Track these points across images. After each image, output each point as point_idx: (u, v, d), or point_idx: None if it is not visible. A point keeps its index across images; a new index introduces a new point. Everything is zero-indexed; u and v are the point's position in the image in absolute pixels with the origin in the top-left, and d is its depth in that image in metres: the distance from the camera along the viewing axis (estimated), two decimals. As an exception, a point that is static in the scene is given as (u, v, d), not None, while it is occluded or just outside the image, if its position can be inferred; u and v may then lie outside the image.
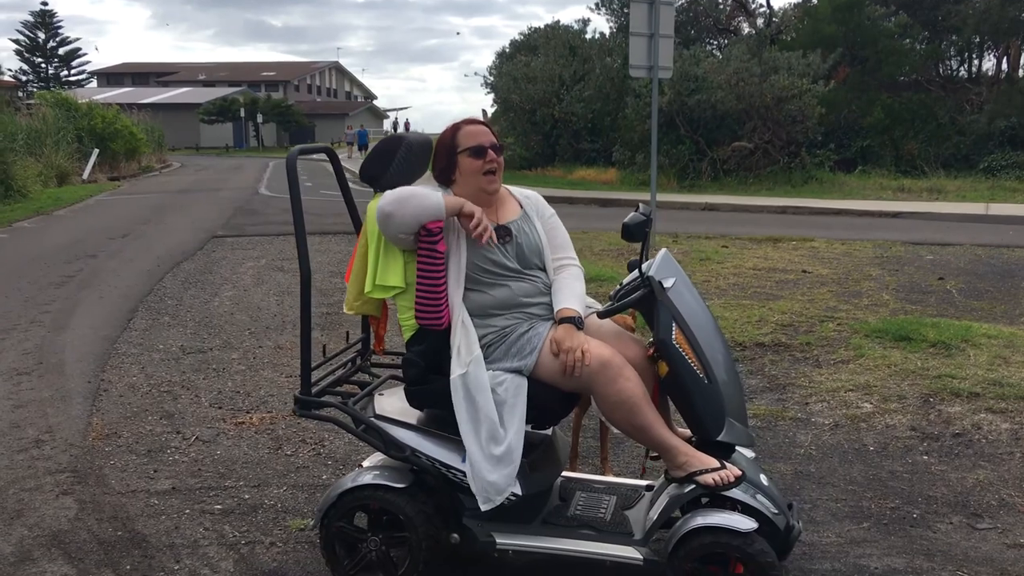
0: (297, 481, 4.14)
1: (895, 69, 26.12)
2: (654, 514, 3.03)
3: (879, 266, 9.88)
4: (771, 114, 20.67)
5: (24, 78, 66.74)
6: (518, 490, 2.95)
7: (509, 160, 25.69)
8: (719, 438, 3.00)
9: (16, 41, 68.30)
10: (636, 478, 3.60)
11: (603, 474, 3.89)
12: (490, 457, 2.90)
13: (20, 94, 34.83)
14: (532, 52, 27.60)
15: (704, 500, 2.98)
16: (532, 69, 25.32)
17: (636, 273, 3.07)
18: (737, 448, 3.09)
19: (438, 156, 3.15)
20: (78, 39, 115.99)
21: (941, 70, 28.62)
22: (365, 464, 3.30)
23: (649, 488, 3.36)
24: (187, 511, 3.81)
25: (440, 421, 3.07)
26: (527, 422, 3.00)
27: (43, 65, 69.91)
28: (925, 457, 4.39)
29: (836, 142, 22.85)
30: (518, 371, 2.96)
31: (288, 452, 4.49)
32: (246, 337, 6.90)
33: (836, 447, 4.54)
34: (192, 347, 6.62)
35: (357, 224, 3.42)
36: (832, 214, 15.65)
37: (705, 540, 2.82)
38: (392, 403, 3.26)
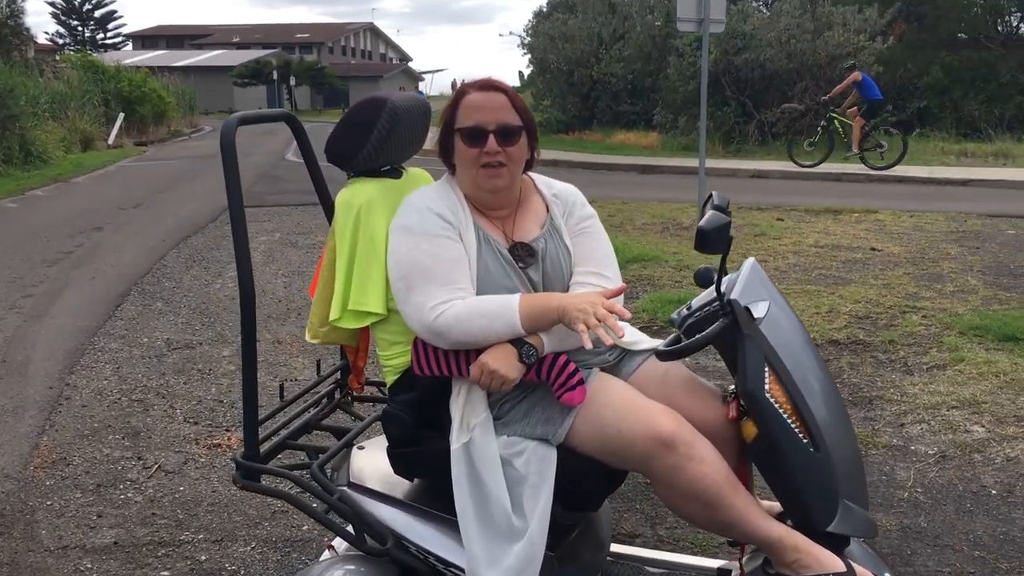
0: (271, 534, 3.31)
1: (954, 26, 24.54)
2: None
3: (956, 243, 8.80)
4: (824, 73, 19.38)
5: (61, 41, 66.22)
6: (542, 598, 2.09)
7: (544, 123, 24.52)
8: (829, 528, 2.11)
9: (52, 4, 67.72)
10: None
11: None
12: (499, 556, 2.03)
13: (57, 58, 34.17)
14: (570, 10, 26.34)
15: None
16: (570, 28, 24.12)
17: (713, 294, 2.16)
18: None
19: (442, 127, 2.25)
20: (113, 1, 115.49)
21: (1001, 27, 26.89)
22: (336, 545, 2.45)
23: (722, 573, 2.49)
24: (124, 581, 3.00)
25: (437, 495, 2.21)
26: (557, 503, 2.13)
27: (79, 28, 69.32)
28: (1066, 507, 3.46)
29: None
30: (544, 439, 2.08)
31: (266, 489, 3.65)
32: (243, 328, 6.07)
33: (949, 489, 3.61)
34: (179, 341, 5.81)
35: (331, 215, 2.48)
36: (894, 181, 14.46)
37: None
38: (375, 462, 2.39)
